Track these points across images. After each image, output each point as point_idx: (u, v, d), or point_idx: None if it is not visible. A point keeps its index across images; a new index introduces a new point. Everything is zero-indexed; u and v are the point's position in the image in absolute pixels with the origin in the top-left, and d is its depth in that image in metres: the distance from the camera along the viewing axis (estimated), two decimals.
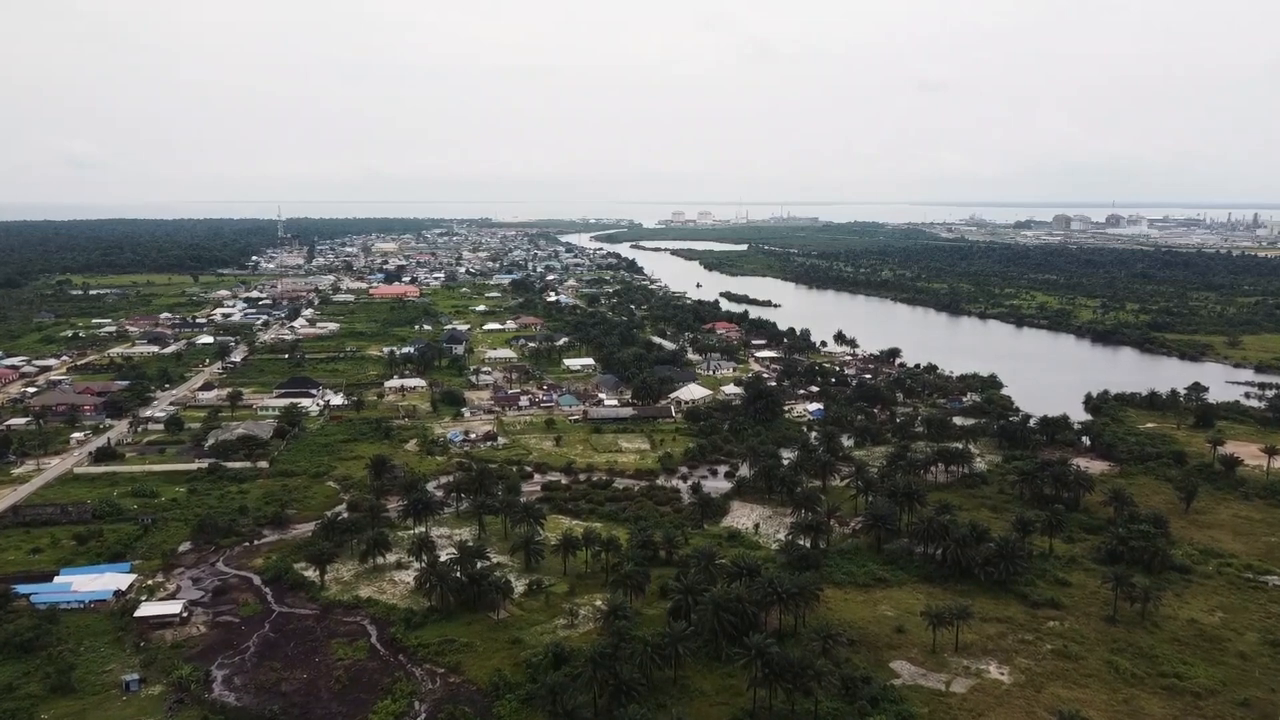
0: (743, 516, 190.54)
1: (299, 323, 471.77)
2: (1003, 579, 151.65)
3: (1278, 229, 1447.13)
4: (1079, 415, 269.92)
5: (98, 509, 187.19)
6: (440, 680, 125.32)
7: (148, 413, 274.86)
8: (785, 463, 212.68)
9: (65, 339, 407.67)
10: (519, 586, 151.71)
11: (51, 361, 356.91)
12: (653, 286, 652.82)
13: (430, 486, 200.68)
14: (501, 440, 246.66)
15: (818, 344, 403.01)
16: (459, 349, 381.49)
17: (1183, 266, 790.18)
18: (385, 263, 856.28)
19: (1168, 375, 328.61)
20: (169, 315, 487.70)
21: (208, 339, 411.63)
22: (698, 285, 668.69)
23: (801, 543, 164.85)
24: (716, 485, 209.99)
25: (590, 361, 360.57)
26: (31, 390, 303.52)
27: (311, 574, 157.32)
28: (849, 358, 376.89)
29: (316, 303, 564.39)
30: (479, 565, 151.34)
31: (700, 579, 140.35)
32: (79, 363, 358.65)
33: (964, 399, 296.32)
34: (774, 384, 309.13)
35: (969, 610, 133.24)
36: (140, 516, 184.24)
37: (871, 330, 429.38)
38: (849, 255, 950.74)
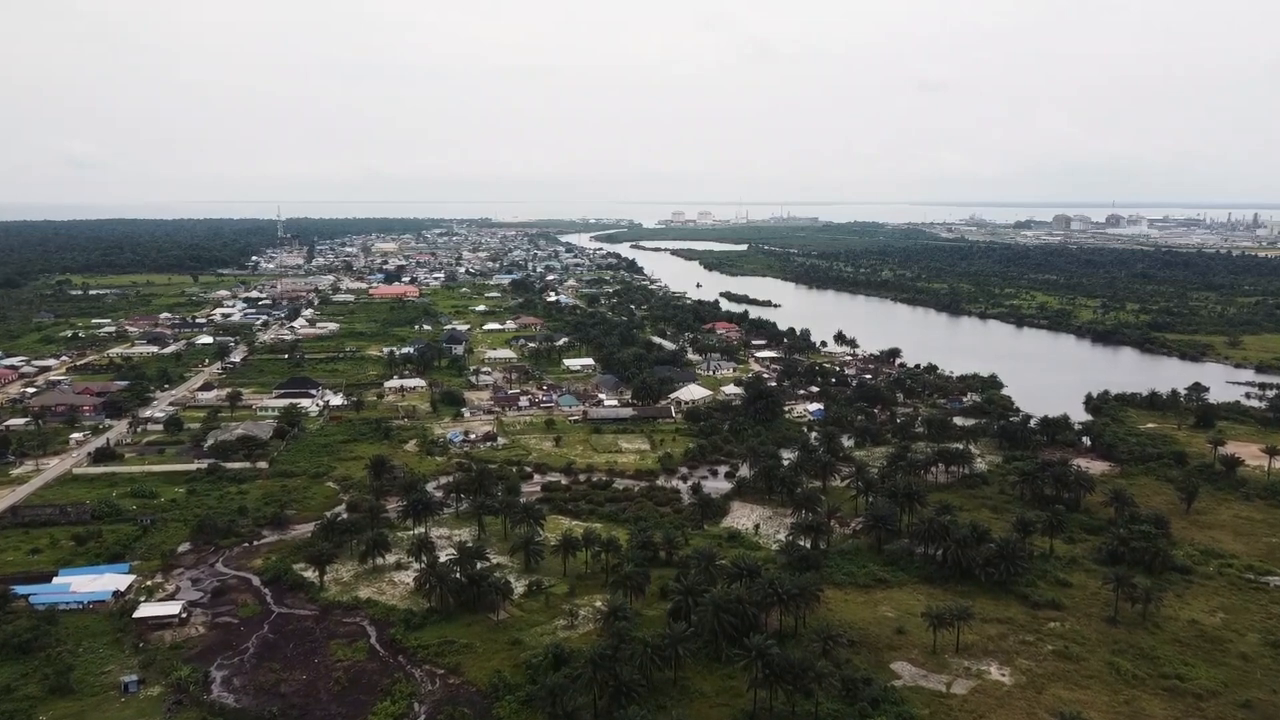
0: (743, 517, 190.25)
1: (299, 323, 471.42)
2: (1003, 580, 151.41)
3: (1278, 229, 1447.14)
4: (1079, 415, 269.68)
5: (97, 510, 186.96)
6: (440, 681, 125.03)
7: (147, 413, 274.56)
8: (785, 463, 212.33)
9: (65, 339, 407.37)
10: (519, 587, 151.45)
11: (51, 362, 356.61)
12: (653, 286, 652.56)
13: (430, 487, 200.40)
14: (501, 441, 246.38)
15: (818, 344, 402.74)
16: (459, 349, 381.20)
17: (1183, 266, 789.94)
18: (385, 263, 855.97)
19: (1168, 375, 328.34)
20: (168, 315, 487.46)
21: (207, 339, 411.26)
22: (698, 285, 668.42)
23: (802, 543, 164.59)
24: (716, 486, 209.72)
25: (590, 362, 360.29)
26: (31, 390, 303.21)
27: (311, 575, 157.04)
28: (849, 358, 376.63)
29: (316, 303, 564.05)
30: (479, 566, 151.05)
31: (700, 580, 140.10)
32: (78, 363, 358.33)
33: (964, 399, 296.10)
34: (774, 384, 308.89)
35: (970, 611, 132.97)
36: (139, 517, 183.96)
37: (871, 330, 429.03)
38: (849, 255, 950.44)
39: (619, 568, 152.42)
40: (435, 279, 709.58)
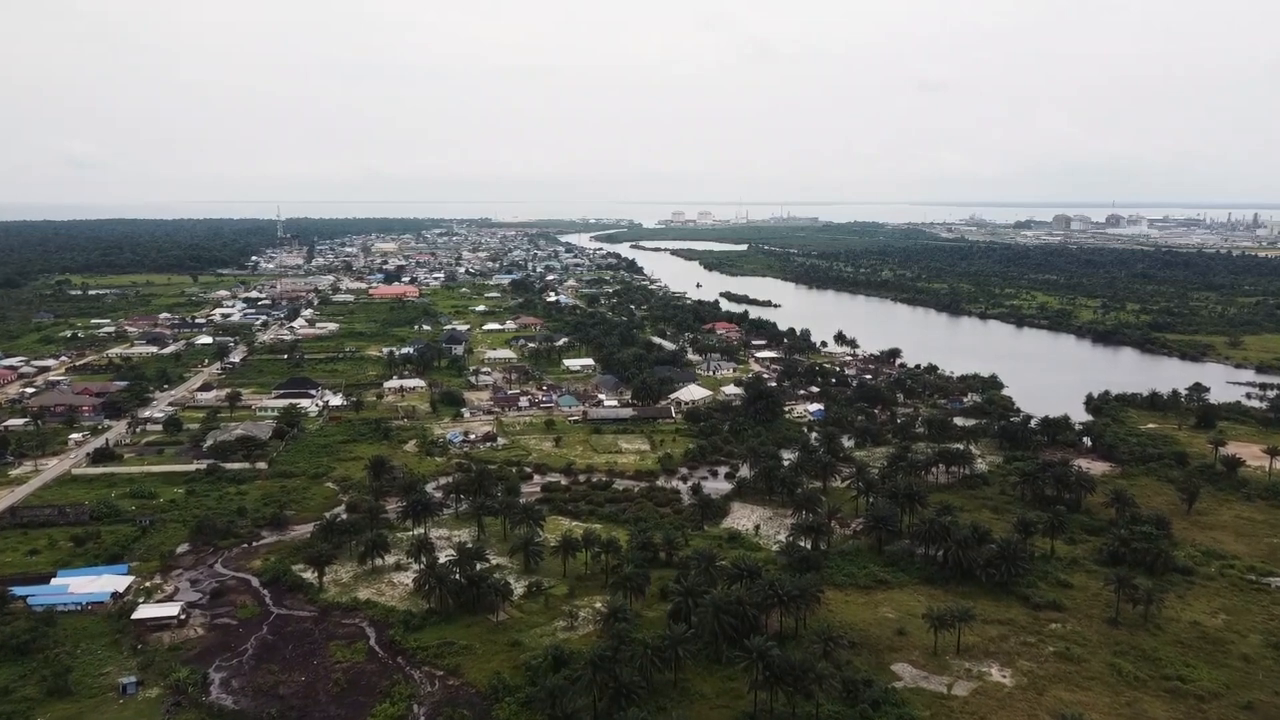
0: (743, 518, 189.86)
1: (298, 323, 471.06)
2: (1004, 581, 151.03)
3: (1278, 229, 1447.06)
4: (1080, 416, 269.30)
5: (95, 510, 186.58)
6: (439, 683, 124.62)
7: (146, 413, 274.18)
8: (786, 464, 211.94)
9: (64, 339, 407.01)
10: (518, 588, 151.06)
11: (50, 362, 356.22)
12: (653, 286, 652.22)
13: (429, 487, 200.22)
14: (501, 441, 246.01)
15: (818, 344, 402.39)
16: (458, 349, 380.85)
17: (1183, 266, 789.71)
18: (385, 263, 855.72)
19: (1169, 375, 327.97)
20: (168, 315, 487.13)
21: (207, 339, 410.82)
22: (698, 285, 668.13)
23: (802, 544, 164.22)
24: (717, 486, 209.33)
25: (590, 362, 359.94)
26: (30, 391, 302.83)
27: (310, 576, 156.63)
28: (849, 358, 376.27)
29: (316, 303, 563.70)
30: (478, 567, 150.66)
31: (700, 581, 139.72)
32: (77, 363, 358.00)
33: (965, 399, 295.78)
34: (774, 384, 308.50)
35: (970, 612, 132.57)
36: (138, 518, 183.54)
37: (872, 330, 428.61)
38: (849, 255, 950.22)
39: (619, 569, 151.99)
40: (435, 279, 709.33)
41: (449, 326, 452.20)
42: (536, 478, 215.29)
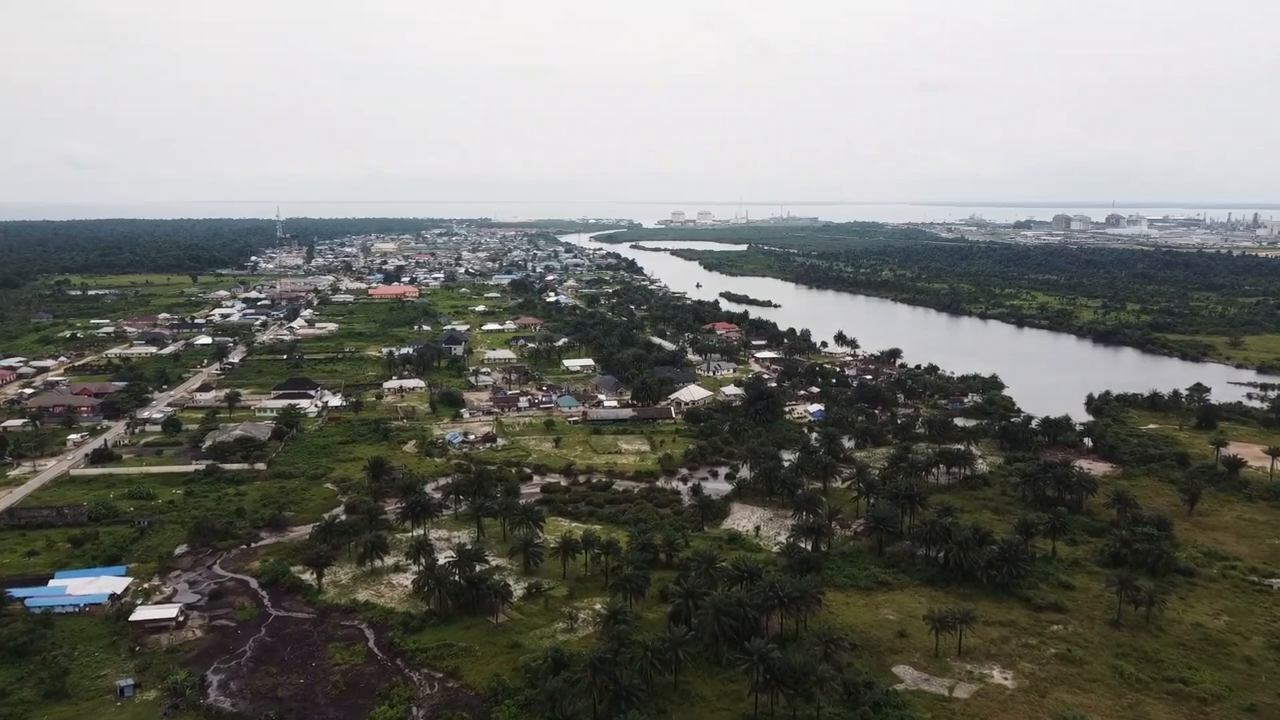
0: (743, 519, 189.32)
1: (298, 323, 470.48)
2: (1005, 582, 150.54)
3: (1278, 229, 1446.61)
4: (1081, 416, 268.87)
5: (94, 511, 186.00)
6: (438, 685, 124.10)
7: (145, 414, 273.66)
8: (786, 464, 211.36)
9: (63, 339, 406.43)
10: (518, 590, 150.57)
11: (49, 362, 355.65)
12: (652, 287, 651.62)
13: (429, 488, 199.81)
14: (501, 442, 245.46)
15: (818, 344, 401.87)
16: (458, 350, 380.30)
17: (1183, 267, 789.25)
18: (384, 263, 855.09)
19: (1169, 376, 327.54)
20: (167, 316, 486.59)
21: (206, 340, 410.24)
22: (698, 285, 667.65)
23: (803, 545, 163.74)
24: (717, 487, 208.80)
25: (590, 362, 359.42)
26: (28, 391, 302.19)
27: (309, 577, 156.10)
28: (849, 358, 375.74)
29: (315, 303, 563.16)
30: (477, 568, 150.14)
31: (701, 582, 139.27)
32: (76, 363, 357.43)
33: (965, 400, 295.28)
34: (774, 385, 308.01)
35: (972, 614, 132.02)
36: (137, 519, 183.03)
37: (872, 331, 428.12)
38: (849, 255, 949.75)
39: (619, 570, 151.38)
40: (435, 279, 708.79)
41: (448, 327, 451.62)
42: (536, 479, 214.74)
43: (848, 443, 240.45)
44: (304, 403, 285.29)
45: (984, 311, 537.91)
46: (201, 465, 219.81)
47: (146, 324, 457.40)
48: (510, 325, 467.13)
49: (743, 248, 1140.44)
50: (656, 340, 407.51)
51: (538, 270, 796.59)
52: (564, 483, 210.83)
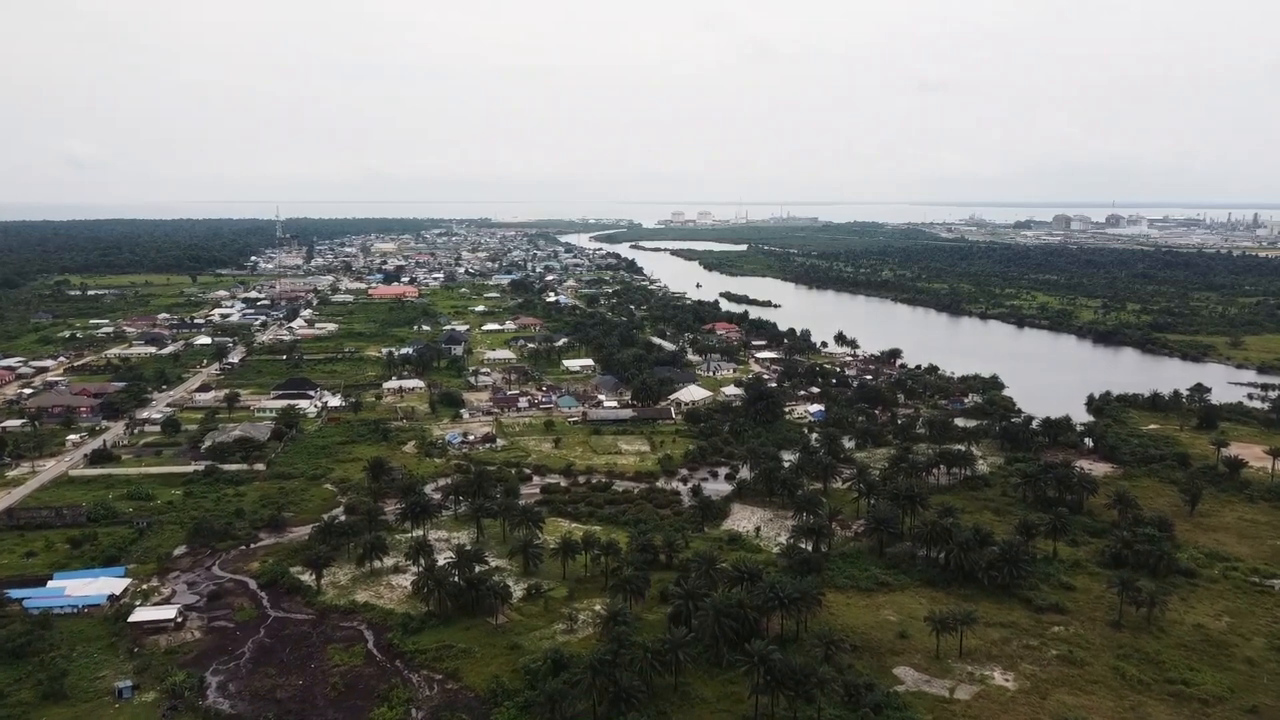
0: (743, 519, 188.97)
1: (297, 323, 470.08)
2: (1006, 583, 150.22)
3: (1278, 229, 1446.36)
4: (1081, 416, 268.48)
5: (93, 512, 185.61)
6: (438, 687, 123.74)
7: (144, 414, 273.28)
8: (786, 465, 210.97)
9: (62, 340, 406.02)
10: (517, 591, 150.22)
11: (48, 362, 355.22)
12: (652, 287, 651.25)
13: (428, 489, 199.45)
14: (500, 442, 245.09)
15: (818, 345, 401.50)
16: (458, 350, 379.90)
17: (1183, 267, 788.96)
18: (384, 263, 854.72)
19: (1170, 376, 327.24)
20: (167, 316, 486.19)
21: (205, 340, 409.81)
22: (697, 285, 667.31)
23: (803, 546, 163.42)
24: (717, 488, 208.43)
25: (590, 362, 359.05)
26: (27, 391, 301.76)
27: (308, 578, 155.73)
28: (850, 359, 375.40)
29: (315, 303, 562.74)
30: (477, 569, 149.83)
31: (701, 583, 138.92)
32: (76, 364, 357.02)
33: (965, 400, 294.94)
34: (774, 385, 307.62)
35: (973, 615, 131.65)
36: (136, 520, 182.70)
37: (872, 331, 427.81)
38: (849, 255, 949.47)
39: (619, 571, 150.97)
40: (434, 279, 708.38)
41: (448, 327, 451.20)
42: (536, 479, 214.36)
43: (848, 443, 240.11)
44: (303, 403, 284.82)
45: (984, 311, 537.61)
46: (200, 466, 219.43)
47: (146, 324, 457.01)
48: (510, 325, 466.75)
49: (742, 248, 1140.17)
50: (656, 340, 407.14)
51: (537, 270, 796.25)
52: (564, 483, 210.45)
